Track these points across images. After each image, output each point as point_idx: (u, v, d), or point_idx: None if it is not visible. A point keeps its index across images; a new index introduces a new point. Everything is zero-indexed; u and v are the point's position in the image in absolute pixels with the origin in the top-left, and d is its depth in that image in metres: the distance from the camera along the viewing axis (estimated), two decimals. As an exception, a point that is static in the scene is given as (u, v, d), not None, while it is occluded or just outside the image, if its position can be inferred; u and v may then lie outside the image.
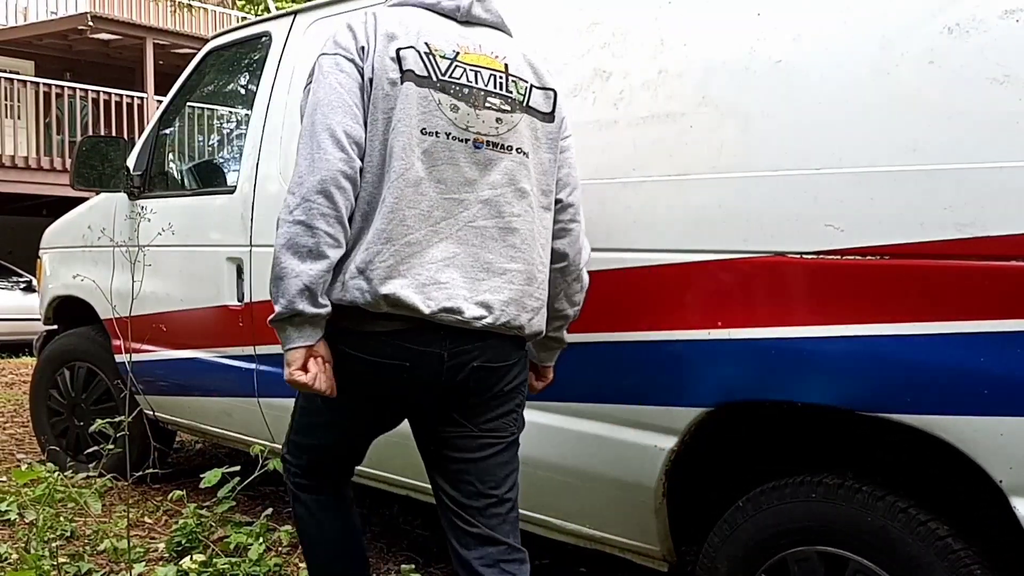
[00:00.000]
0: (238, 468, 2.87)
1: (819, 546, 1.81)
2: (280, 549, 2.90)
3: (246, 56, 3.61)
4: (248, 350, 3.07)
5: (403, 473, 2.70)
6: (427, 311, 1.62)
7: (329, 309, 1.65)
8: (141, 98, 12.92)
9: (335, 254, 1.61)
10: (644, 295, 2.05)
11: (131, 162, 3.58)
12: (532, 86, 1.77)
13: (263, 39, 3.24)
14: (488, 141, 1.69)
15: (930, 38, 1.69)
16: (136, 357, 3.30)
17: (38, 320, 4.30)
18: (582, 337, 2.15)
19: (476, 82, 1.69)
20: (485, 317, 1.67)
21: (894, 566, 1.71)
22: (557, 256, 1.85)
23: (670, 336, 1.99)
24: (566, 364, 2.19)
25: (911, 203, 1.68)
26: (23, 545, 2.92)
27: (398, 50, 1.65)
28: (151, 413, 3.57)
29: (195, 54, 3.65)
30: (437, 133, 1.65)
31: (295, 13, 3.12)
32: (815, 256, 1.79)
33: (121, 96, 12.63)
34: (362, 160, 1.64)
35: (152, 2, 14.77)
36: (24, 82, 12.23)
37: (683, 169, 1.98)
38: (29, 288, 10.00)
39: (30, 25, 14.45)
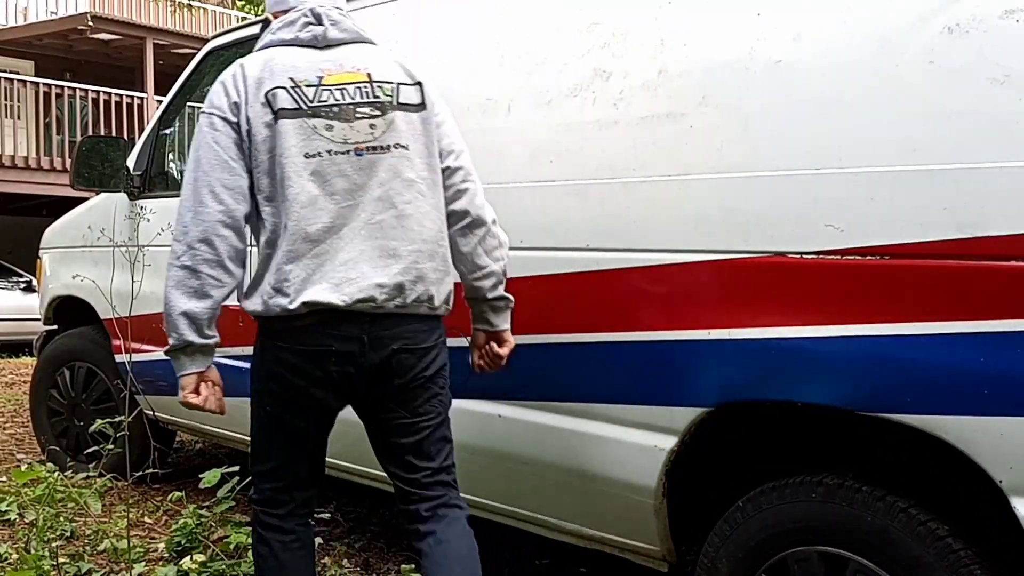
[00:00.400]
0: (237, 468, 2.87)
1: (819, 546, 1.81)
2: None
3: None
4: (247, 350, 3.07)
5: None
6: (343, 305, 1.81)
7: (217, 339, 1.90)
8: (141, 98, 12.92)
9: (219, 293, 1.85)
10: (644, 295, 2.05)
11: (131, 162, 3.58)
12: (400, 84, 1.94)
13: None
14: (367, 147, 1.86)
15: (930, 38, 1.69)
16: (136, 357, 3.30)
17: (38, 320, 4.30)
18: (582, 337, 2.15)
19: (343, 99, 1.87)
20: (396, 298, 1.86)
21: (894, 566, 1.71)
22: (459, 215, 1.99)
23: (670, 336, 1.99)
24: (566, 364, 2.19)
25: (911, 203, 1.68)
26: (23, 545, 2.92)
27: (266, 93, 1.84)
28: (151, 413, 3.57)
29: (195, 54, 3.65)
30: (320, 153, 1.83)
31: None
32: (815, 256, 1.79)
33: (121, 96, 12.63)
34: (255, 199, 1.87)
35: (152, 2, 14.77)
36: (24, 82, 12.23)
37: (683, 169, 1.98)
38: (29, 288, 10.00)
39: (30, 25, 14.45)
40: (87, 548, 2.95)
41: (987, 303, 1.60)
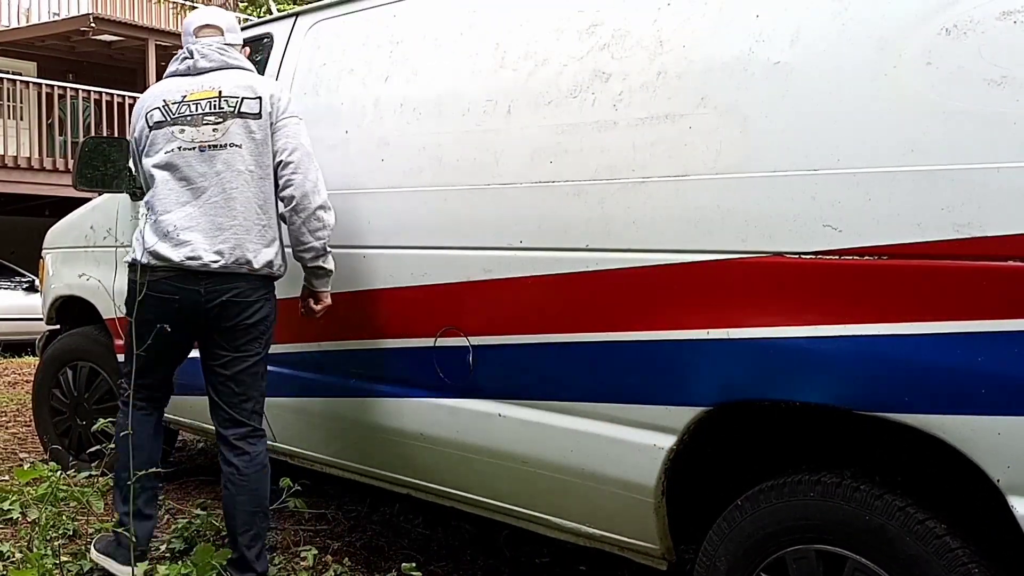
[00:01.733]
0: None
1: (817, 544, 1.82)
2: (287, 548, 2.91)
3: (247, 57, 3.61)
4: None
5: (404, 472, 2.71)
6: (176, 260, 2.47)
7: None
8: (143, 99, 12.90)
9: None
10: (643, 295, 2.06)
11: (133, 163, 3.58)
12: (243, 98, 2.56)
13: (264, 40, 3.25)
14: (209, 145, 2.52)
15: (928, 39, 1.70)
16: (138, 357, 3.31)
17: (41, 320, 4.31)
18: (582, 337, 2.16)
19: (196, 110, 2.55)
20: (219, 260, 2.48)
21: (892, 564, 1.72)
22: (287, 200, 2.55)
23: (669, 336, 2.00)
24: (566, 364, 2.20)
25: (909, 203, 1.68)
26: (26, 544, 2.93)
27: (147, 113, 2.60)
28: (153, 413, 3.57)
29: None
30: (173, 150, 2.54)
31: (296, 15, 3.14)
32: (813, 256, 1.80)
33: (123, 97, 12.63)
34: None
35: (154, 3, 14.79)
36: (27, 83, 12.23)
37: (682, 170, 1.99)
38: (32, 288, 10.01)
39: (33, 26, 14.48)
40: (90, 547, 2.96)
41: (984, 303, 1.61)
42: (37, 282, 7.72)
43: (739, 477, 2.03)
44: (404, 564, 2.78)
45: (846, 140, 1.77)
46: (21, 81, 12.18)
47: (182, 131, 2.52)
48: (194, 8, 14.86)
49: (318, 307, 2.67)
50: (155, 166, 2.53)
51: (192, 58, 2.64)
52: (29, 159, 11.91)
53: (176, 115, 2.54)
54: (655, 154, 2.03)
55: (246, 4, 14.04)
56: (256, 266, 2.51)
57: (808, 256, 1.81)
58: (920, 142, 1.68)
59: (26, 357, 8.31)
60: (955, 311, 1.64)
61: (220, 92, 2.55)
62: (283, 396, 2.98)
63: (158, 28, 14.40)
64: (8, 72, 12.59)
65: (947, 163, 1.65)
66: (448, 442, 2.49)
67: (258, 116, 2.54)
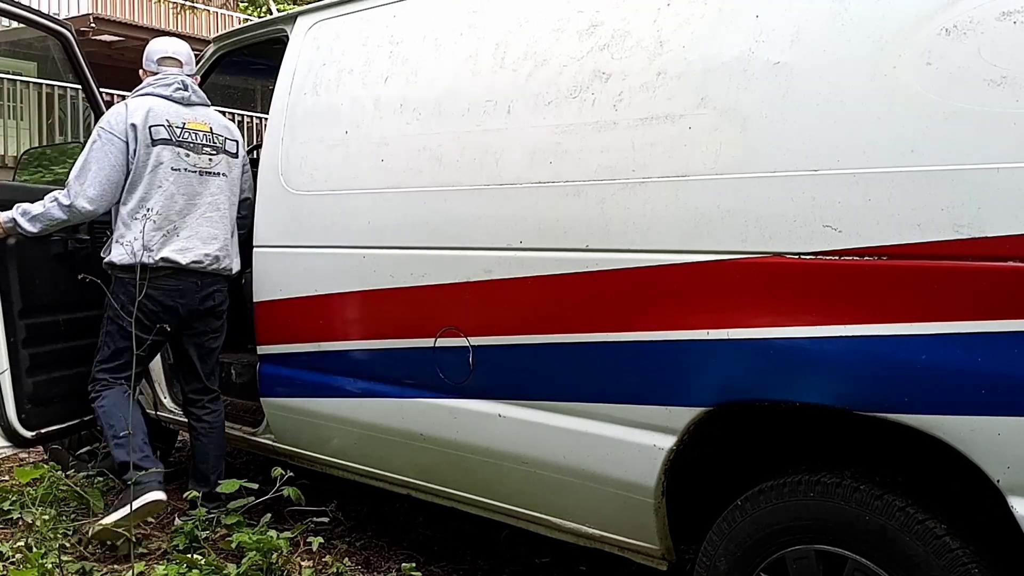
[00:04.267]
0: (256, 486, 2.86)
1: (817, 544, 1.82)
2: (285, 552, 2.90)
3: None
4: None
5: (404, 472, 2.71)
6: (184, 263, 3.03)
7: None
8: (143, 99, 12.89)
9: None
10: (643, 295, 2.06)
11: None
12: (226, 139, 3.21)
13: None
14: (207, 171, 3.13)
15: (928, 39, 1.70)
16: (138, 357, 3.30)
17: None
18: (582, 337, 2.16)
19: (196, 139, 3.12)
20: (214, 264, 3.10)
21: (892, 564, 1.72)
22: (242, 226, 3.25)
23: (669, 336, 2.00)
24: (566, 364, 2.20)
25: (909, 203, 1.69)
26: (26, 544, 2.93)
27: (150, 127, 3.04)
28: (153, 413, 3.58)
29: (197, 56, 3.65)
30: (180, 169, 3.06)
31: (295, 16, 3.14)
32: (813, 257, 1.80)
33: (124, 97, 12.63)
34: (128, 187, 3.02)
35: (154, 3, 14.79)
36: (27, 83, 12.24)
37: (682, 170, 1.99)
38: (32, 288, 9.99)
39: (33, 26, 14.46)
40: (89, 547, 2.96)
41: (984, 304, 1.61)
42: (37, 282, 7.69)
43: (739, 477, 2.03)
44: (404, 564, 2.78)
45: (846, 140, 1.78)
46: (21, 81, 12.18)
47: (187, 155, 3.07)
48: (194, 8, 14.90)
49: None
50: (164, 179, 3.01)
51: (187, 91, 3.16)
52: (29, 159, 11.89)
53: (180, 139, 3.07)
54: (655, 154, 2.03)
55: (246, 4, 14.04)
56: (233, 270, 3.20)
57: (808, 256, 1.81)
58: (920, 142, 1.68)
59: (26, 357, 8.29)
60: (955, 311, 1.64)
61: (211, 129, 3.16)
62: (283, 396, 2.98)
63: (158, 28, 14.38)
64: (8, 72, 12.59)
65: (947, 163, 1.65)
66: (448, 442, 2.49)
67: (236, 156, 3.23)
